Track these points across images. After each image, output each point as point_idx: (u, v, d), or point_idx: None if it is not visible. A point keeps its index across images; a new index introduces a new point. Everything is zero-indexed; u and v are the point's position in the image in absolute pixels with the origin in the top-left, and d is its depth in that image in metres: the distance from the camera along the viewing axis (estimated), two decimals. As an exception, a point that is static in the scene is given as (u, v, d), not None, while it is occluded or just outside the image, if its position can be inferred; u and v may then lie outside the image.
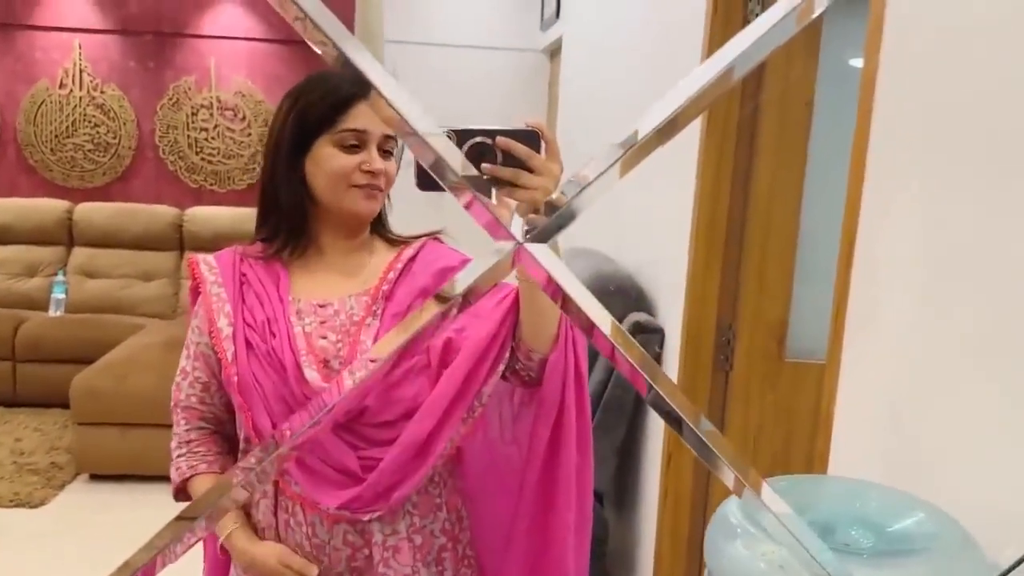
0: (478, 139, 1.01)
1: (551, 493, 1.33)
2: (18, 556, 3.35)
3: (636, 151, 0.51)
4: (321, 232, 1.38)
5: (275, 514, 1.33)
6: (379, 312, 1.32)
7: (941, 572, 0.90)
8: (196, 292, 1.39)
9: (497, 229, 0.58)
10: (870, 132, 1.54)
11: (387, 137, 1.31)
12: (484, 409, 1.31)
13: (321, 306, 1.35)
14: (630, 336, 0.59)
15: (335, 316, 1.33)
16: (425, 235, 1.45)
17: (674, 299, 2.45)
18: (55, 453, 4.27)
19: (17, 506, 3.72)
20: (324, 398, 0.55)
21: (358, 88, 1.22)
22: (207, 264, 1.39)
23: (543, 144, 1.04)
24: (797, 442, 2.34)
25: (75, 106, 5.64)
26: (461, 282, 0.57)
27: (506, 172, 1.01)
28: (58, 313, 5.17)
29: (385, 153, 1.31)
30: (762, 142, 2.37)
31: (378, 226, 1.43)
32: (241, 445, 1.35)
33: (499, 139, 1.02)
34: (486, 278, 0.57)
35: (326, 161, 1.30)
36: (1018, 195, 1.17)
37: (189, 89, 5.72)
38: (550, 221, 0.57)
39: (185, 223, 5.54)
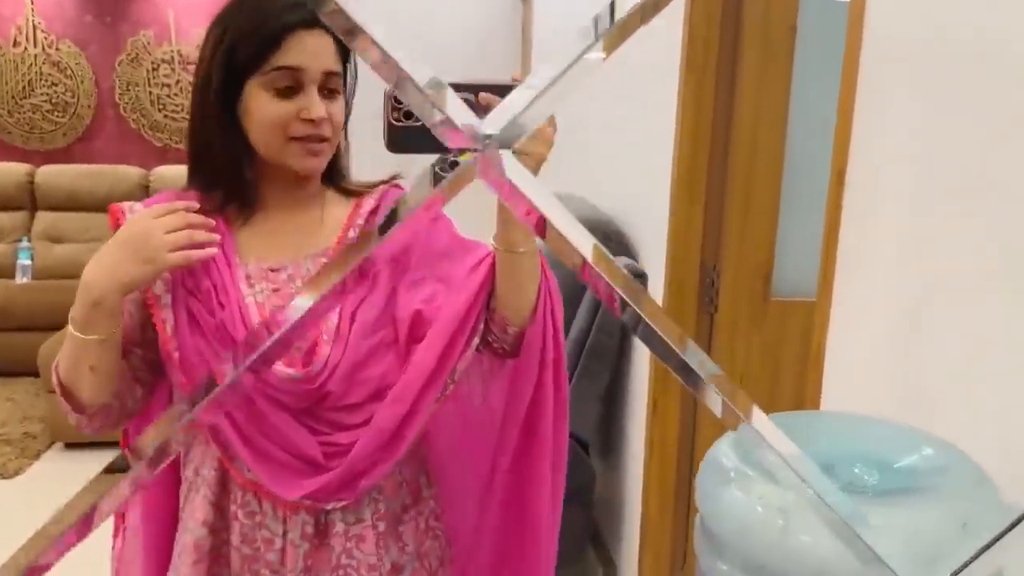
0: (458, 95, 0.87)
1: (526, 479, 1.24)
2: (-7, 528, 3.27)
3: (617, 29, 0.39)
4: (264, 186, 1.18)
5: (218, 504, 1.17)
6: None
7: (954, 509, 0.84)
8: None
9: (453, 135, 0.49)
10: (861, 53, 1.45)
11: (329, 74, 1.10)
12: (456, 385, 1.18)
13: (273, 270, 1.17)
14: (612, 259, 0.50)
15: (289, 282, 1.16)
16: (382, 182, 1.28)
17: (656, 242, 2.37)
18: (28, 423, 4.17)
19: (-10, 479, 3.64)
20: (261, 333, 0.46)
21: (292, 15, 1.08)
22: (133, 213, 1.15)
23: None
24: (785, 383, 2.28)
25: (31, 64, 5.44)
26: (413, 197, 0.48)
27: None
28: (25, 280, 5.03)
29: (330, 92, 1.12)
30: (744, 72, 2.28)
31: (331, 174, 1.23)
32: None
33: (483, 95, 0.88)
34: (442, 192, 0.48)
35: (258, 109, 1.10)
36: (1016, 115, 1.08)
37: (148, 43, 5.52)
38: (514, 116, 0.48)
39: (152, 183, 5.38)
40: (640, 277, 2.48)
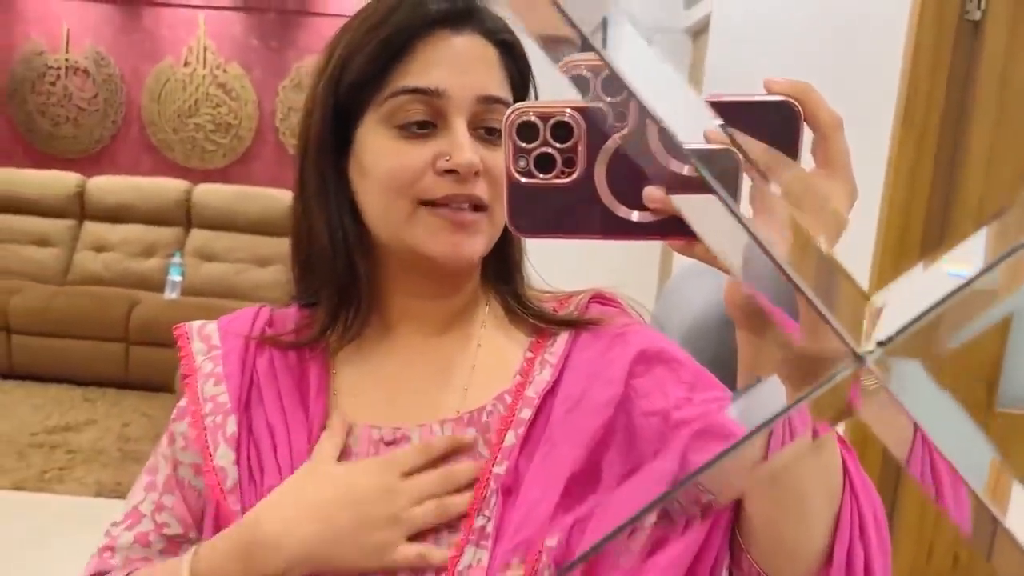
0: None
1: None
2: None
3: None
4: (385, 291, 0.77)
5: None
6: (512, 461, 0.70)
7: None
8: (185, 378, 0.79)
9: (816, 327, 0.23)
10: None
11: (488, 101, 0.70)
12: None
13: (388, 443, 0.72)
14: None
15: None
16: (582, 293, 0.80)
17: (851, 324, 2.02)
18: (160, 441, 4.16)
19: (119, 497, 3.59)
20: None
21: (429, 5, 0.70)
22: (203, 340, 0.80)
23: (802, 128, 0.47)
24: (1004, 510, 1.88)
25: (198, 85, 5.55)
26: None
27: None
28: (173, 295, 5.08)
29: (489, 134, 0.71)
30: (974, 136, 1.93)
31: (499, 274, 0.80)
32: None
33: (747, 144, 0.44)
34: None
35: (375, 157, 0.70)
36: None
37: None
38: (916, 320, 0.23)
39: (303, 207, 5.39)
40: (824, 362, 2.14)
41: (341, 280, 0.75)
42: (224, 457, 0.72)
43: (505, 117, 0.52)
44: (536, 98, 0.75)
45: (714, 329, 1.26)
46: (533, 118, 0.51)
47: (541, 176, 0.52)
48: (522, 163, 0.52)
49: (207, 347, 0.79)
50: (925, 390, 0.23)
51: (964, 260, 0.23)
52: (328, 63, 0.73)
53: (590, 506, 0.67)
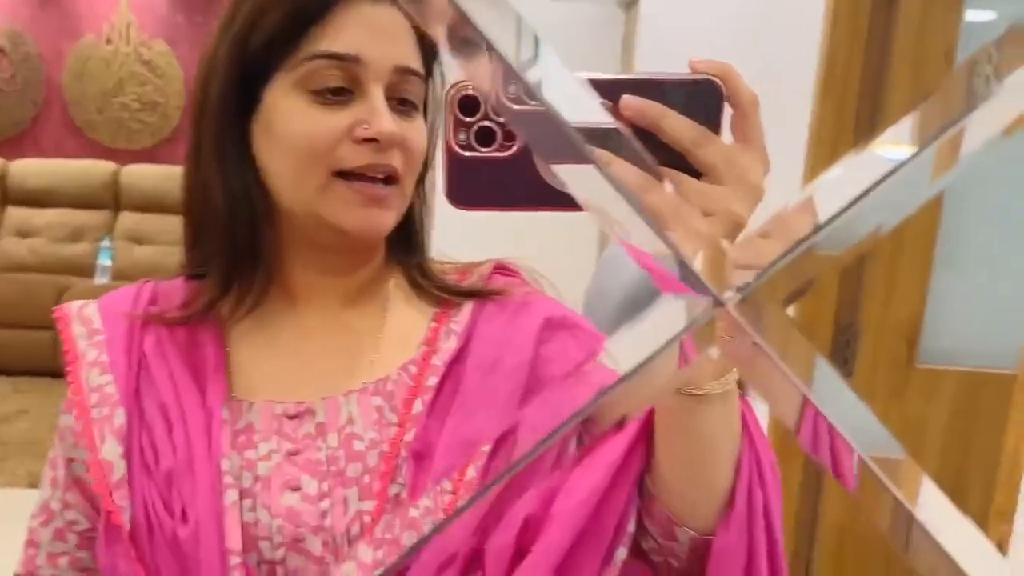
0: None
1: None
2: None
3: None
4: (289, 266, 0.75)
5: None
6: (420, 428, 0.70)
7: None
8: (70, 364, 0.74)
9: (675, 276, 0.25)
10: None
11: (404, 72, 0.69)
12: None
13: (291, 417, 0.71)
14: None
15: (319, 437, 0.71)
16: (484, 264, 0.80)
17: (778, 288, 2.07)
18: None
19: (53, 486, 3.52)
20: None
21: None
22: (84, 323, 0.75)
23: (723, 107, 0.51)
24: (927, 461, 1.97)
25: (122, 63, 5.39)
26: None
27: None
28: (104, 280, 4.96)
29: (403, 105, 0.70)
30: (891, 102, 1.98)
31: (403, 247, 0.78)
32: None
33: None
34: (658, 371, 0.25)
35: (286, 123, 0.68)
36: None
37: (240, 46, 5.45)
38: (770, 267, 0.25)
39: (235, 187, 5.29)
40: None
41: (237, 247, 0.71)
42: (111, 451, 0.69)
43: (446, 91, 0.53)
44: (443, 75, 0.75)
45: (651, 295, 1.29)
46: (474, 92, 0.52)
47: (482, 149, 0.53)
48: (462, 136, 0.52)
49: (88, 331, 0.75)
50: (784, 333, 0.24)
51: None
52: (233, 21, 0.69)
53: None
